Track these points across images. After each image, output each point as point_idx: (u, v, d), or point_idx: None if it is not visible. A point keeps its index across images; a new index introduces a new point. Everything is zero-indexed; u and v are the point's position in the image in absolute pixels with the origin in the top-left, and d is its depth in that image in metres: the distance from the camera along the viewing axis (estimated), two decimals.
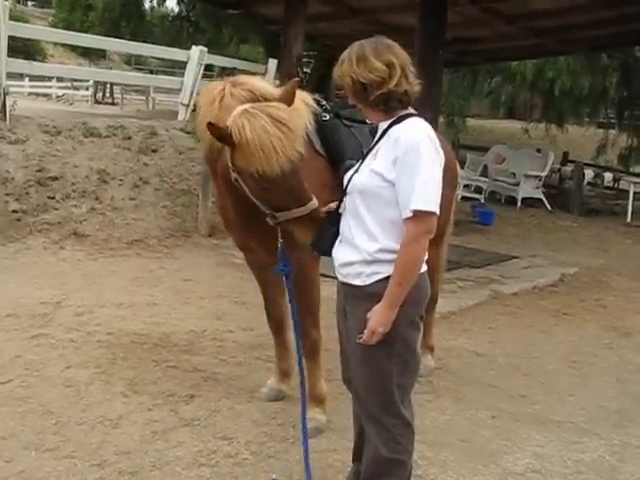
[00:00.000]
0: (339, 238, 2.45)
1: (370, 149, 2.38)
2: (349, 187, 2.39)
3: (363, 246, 2.30)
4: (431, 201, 2.20)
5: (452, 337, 5.08)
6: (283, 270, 2.69)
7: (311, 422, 3.20)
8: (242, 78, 2.84)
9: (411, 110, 2.36)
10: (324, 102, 3.27)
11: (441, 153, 2.28)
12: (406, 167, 2.20)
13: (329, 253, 2.48)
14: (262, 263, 3.36)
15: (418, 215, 2.19)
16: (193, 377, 3.91)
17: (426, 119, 2.36)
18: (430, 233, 2.24)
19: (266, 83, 2.85)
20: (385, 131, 2.33)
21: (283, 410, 3.59)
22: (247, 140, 2.40)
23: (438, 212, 2.22)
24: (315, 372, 3.40)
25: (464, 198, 11.67)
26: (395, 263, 2.24)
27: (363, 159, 2.39)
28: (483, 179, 12.83)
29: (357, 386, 2.45)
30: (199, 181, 7.73)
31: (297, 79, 2.76)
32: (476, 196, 12.32)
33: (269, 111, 2.47)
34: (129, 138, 8.05)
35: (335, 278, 2.48)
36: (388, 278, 2.26)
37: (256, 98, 2.67)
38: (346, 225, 2.39)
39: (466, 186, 12.33)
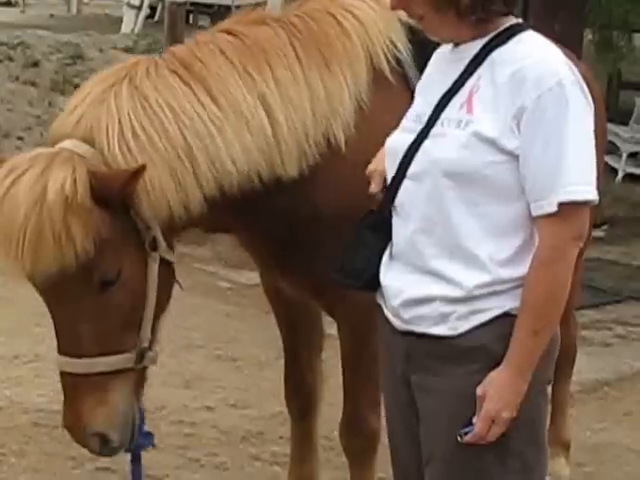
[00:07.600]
0: (388, 252, 2.46)
1: (452, 89, 2.35)
2: (414, 164, 2.36)
3: (454, 274, 2.31)
4: (588, 183, 2.25)
5: (604, 426, 5.06)
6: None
7: None
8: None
9: (517, 20, 2.38)
10: None
11: (589, 96, 2.31)
12: (544, 125, 2.22)
13: (366, 280, 2.49)
14: (293, 294, 3.44)
15: (566, 210, 2.22)
16: None
17: (557, 36, 2.38)
18: (582, 238, 2.29)
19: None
20: (481, 57, 2.32)
21: None
22: None
23: (597, 201, 2.26)
24: None
25: (628, 177, 11.57)
26: (525, 295, 2.26)
27: (438, 109, 2.36)
28: None
29: None
30: None
31: None
32: None
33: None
34: (35, 65, 8.12)
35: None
36: (503, 317, 2.29)
37: None
38: (406, 233, 2.39)
39: (633, 155, 12.21)
